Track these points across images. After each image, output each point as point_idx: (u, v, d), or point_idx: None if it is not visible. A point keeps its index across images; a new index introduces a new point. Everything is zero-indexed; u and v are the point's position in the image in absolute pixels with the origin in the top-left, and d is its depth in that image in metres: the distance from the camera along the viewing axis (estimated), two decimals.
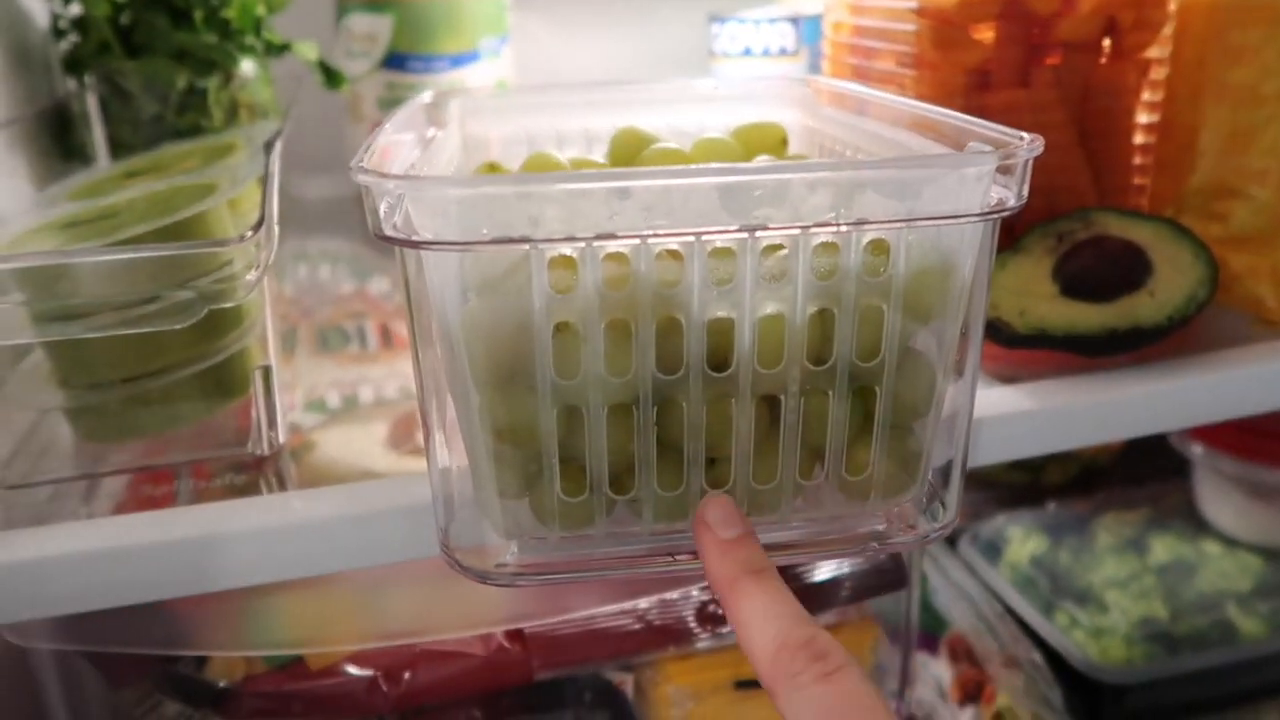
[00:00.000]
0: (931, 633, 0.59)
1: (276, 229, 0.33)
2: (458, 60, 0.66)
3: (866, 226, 0.24)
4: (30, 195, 0.47)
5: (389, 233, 0.24)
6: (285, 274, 0.63)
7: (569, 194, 0.24)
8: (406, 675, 0.39)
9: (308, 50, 0.56)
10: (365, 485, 0.34)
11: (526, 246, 0.24)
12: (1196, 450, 0.62)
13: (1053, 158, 0.44)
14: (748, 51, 0.69)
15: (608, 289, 0.25)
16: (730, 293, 0.25)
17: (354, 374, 0.53)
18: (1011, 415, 0.38)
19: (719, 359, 0.26)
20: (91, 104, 0.53)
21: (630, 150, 0.38)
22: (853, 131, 0.38)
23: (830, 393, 0.27)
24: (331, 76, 0.59)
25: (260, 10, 0.52)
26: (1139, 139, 0.45)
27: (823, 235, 0.24)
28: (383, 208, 0.25)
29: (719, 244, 0.24)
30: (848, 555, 0.30)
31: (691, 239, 0.24)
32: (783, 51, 0.68)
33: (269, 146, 0.37)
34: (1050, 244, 0.43)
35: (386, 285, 0.64)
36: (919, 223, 0.24)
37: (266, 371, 0.36)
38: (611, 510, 0.28)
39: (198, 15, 0.51)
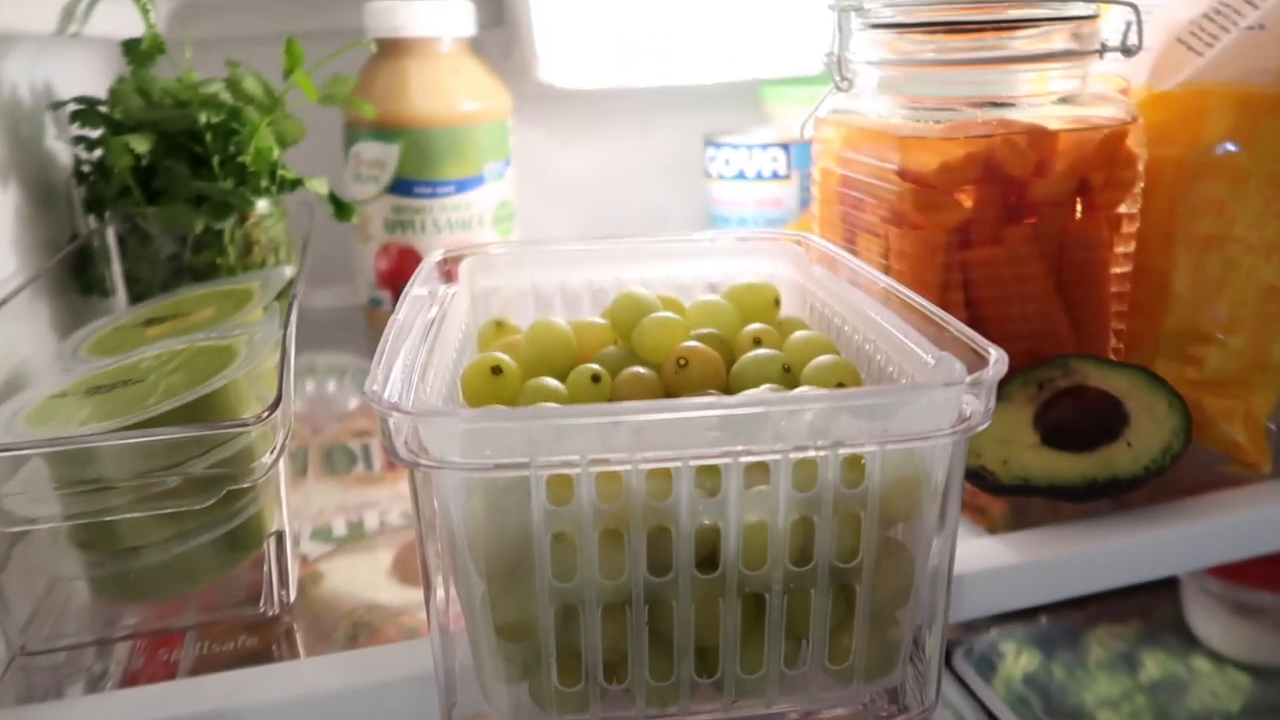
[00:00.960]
0: None
1: (294, 407, 0.35)
2: (463, 185, 0.69)
3: (843, 449, 0.26)
4: (49, 340, 0.49)
5: (402, 455, 0.26)
6: (295, 390, 0.65)
7: (565, 428, 0.26)
8: None
9: (319, 185, 0.59)
10: (376, 651, 0.36)
11: (527, 471, 0.26)
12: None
13: (1031, 307, 0.46)
14: (741, 175, 0.71)
15: (602, 503, 0.27)
16: (717, 504, 0.27)
17: (359, 497, 0.54)
18: (995, 570, 0.39)
19: (706, 561, 0.28)
20: (110, 241, 0.56)
21: (629, 316, 0.40)
22: (839, 300, 0.40)
23: (812, 590, 0.29)
24: (342, 209, 0.61)
25: (275, 154, 0.54)
26: (1115, 286, 0.47)
27: (802, 454, 0.27)
28: (392, 426, 0.27)
29: (704, 463, 0.26)
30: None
31: (679, 462, 0.26)
32: (775, 175, 0.70)
33: (286, 321, 0.39)
34: (1032, 392, 0.44)
35: None
36: (892, 445, 0.26)
37: (280, 537, 0.37)
38: (605, 697, 0.29)
39: (215, 161, 0.53)
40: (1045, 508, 0.43)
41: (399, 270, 0.70)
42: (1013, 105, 0.43)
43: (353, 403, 0.67)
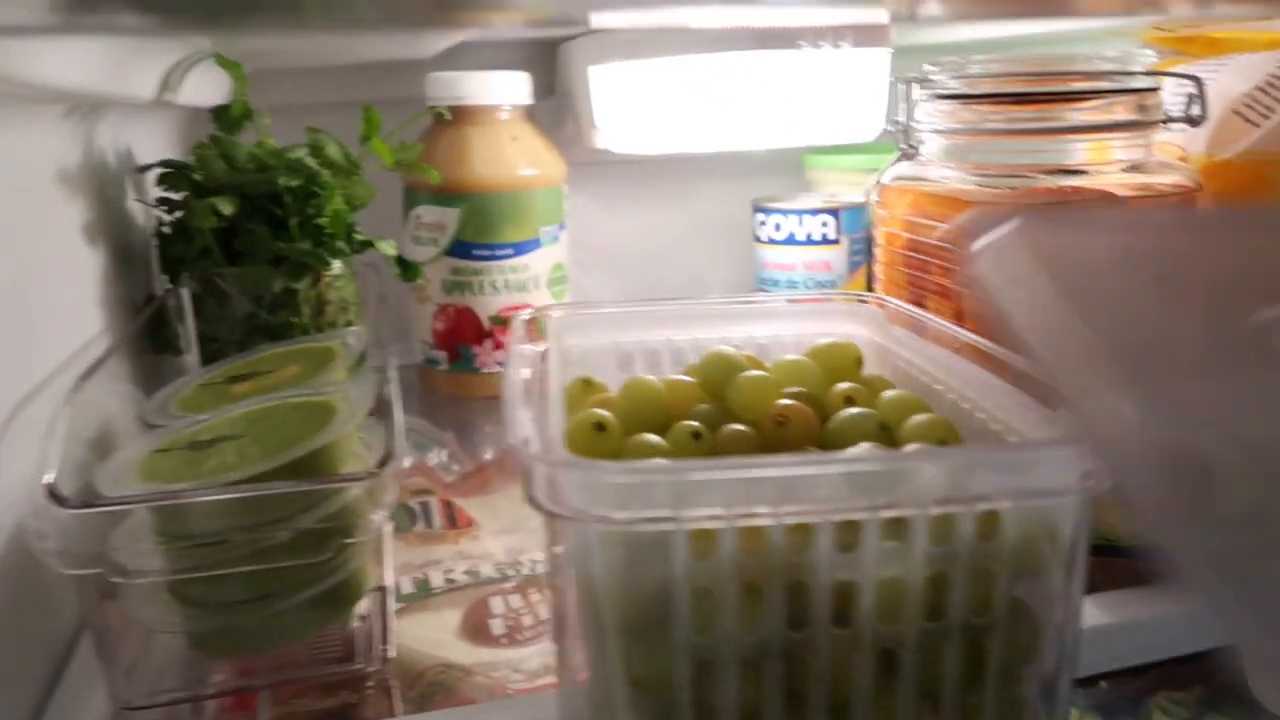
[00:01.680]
0: None
1: (404, 464, 0.36)
2: (520, 248, 0.70)
3: (980, 504, 0.27)
4: (131, 395, 0.50)
5: (546, 506, 0.27)
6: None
7: (709, 483, 0.26)
8: None
9: (388, 247, 0.60)
10: (491, 706, 0.36)
11: (673, 525, 0.26)
12: None
13: None
14: (791, 239, 0.73)
15: (743, 557, 0.27)
16: (853, 559, 0.28)
17: (421, 556, 0.54)
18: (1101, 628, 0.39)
19: (840, 616, 0.28)
20: (186, 301, 0.57)
21: (720, 374, 0.40)
22: (927, 359, 0.41)
23: (945, 645, 0.29)
24: (408, 269, 0.62)
25: (350, 217, 0.56)
26: None
27: (940, 509, 0.27)
28: (537, 477, 0.27)
29: (844, 519, 0.27)
30: None
31: (820, 517, 0.27)
32: (825, 240, 0.72)
33: (385, 364, 0.40)
34: None
35: (445, 457, 0.66)
36: (1028, 501, 0.27)
37: (383, 591, 0.37)
38: None
39: (294, 224, 0.55)
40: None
41: (456, 330, 0.71)
42: (1082, 173, 0.44)
43: (407, 460, 0.67)
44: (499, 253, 0.70)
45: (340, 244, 0.56)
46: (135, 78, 0.46)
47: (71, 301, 0.48)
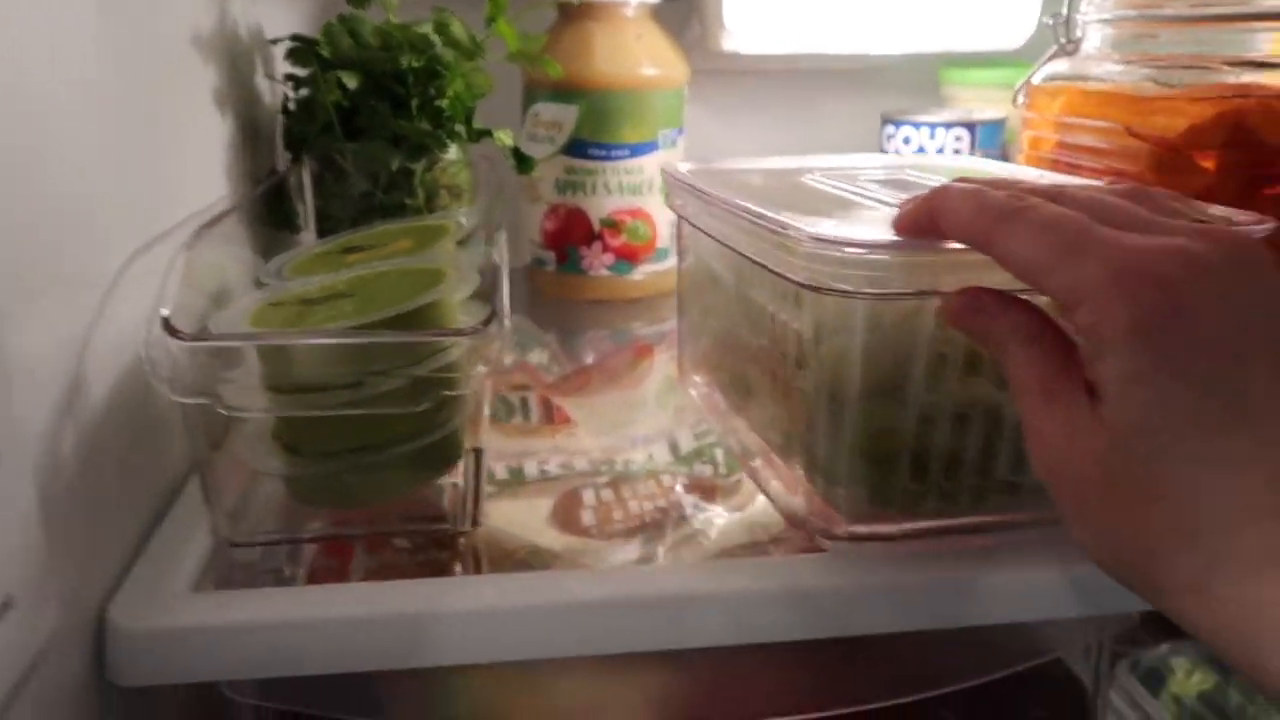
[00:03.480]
0: None
1: (508, 323, 0.35)
2: (637, 149, 0.68)
3: None
4: (249, 260, 0.51)
5: (807, 282, 0.32)
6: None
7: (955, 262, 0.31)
8: None
9: (505, 137, 0.59)
10: (590, 574, 0.36)
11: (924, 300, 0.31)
12: None
13: None
14: (921, 151, 0.69)
15: None
16: None
17: (518, 446, 0.54)
18: None
19: None
20: (306, 179, 0.57)
21: None
22: None
23: None
24: (524, 161, 0.62)
25: (470, 102, 0.55)
26: None
27: None
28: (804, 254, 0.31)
29: None
30: None
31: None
32: (957, 155, 0.68)
33: (494, 236, 0.39)
34: None
35: (546, 358, 0.66)
36: None
37: (478, 454, 0.37)
38: (942, 495, 0.35)
39: (414, 104, 0.54)
40: None
41: (566, 231, 0.70)
42: (1270, 67, 0.40)
43: (509, 358, 0.67)
44: (615, 153, 0.68)
45: (458, 128, 0.56)
46: None
47: (197, 165, 0.49)
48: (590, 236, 0.70)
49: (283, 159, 0.60)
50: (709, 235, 0.42)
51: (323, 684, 0.34)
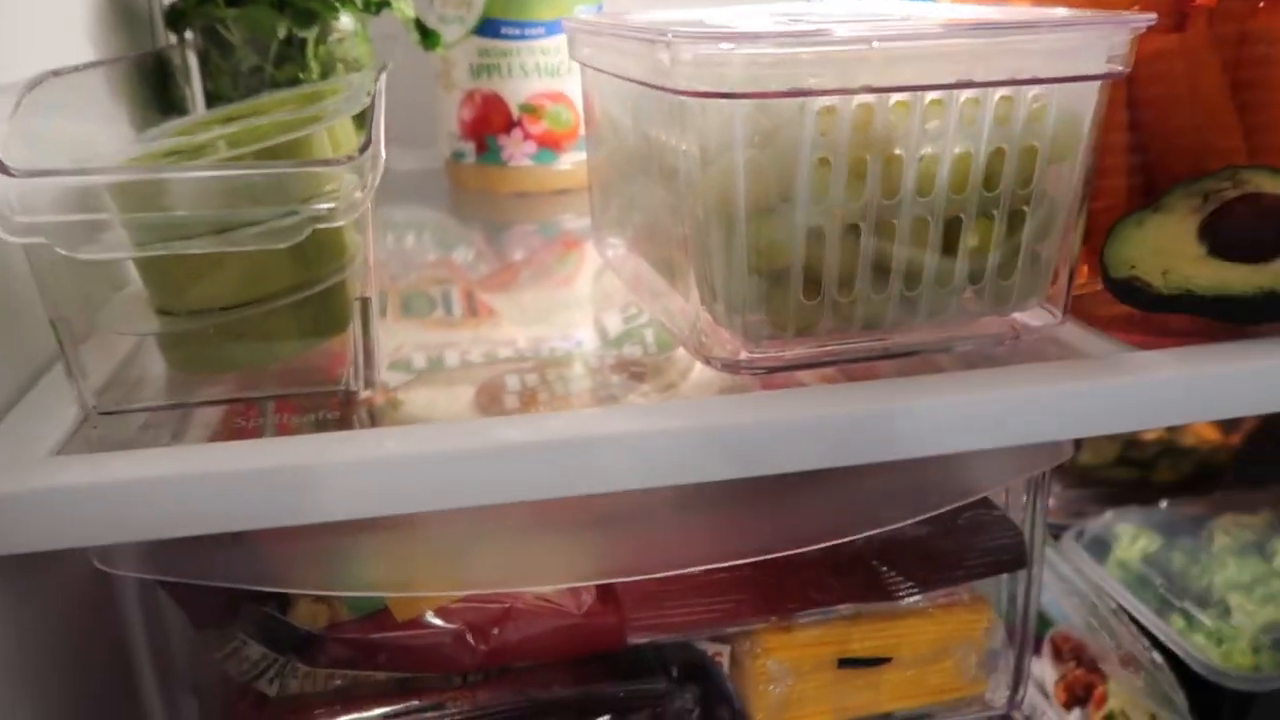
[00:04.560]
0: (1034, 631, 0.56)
1: (383, 153, 0.32)
2: (552, 28, 0.65)
3: (1037, 87, 0.32)
4: (131, 137, 0.47)
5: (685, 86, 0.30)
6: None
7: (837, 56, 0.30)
8: (495, 631, 0.37)
9: (405, 7, 0.56)
10: (464, 424, 0.33)
11: (803, 100, 0.30)
12: None
13: (1202, 113, 0.41)
14: None
15: (855, 132, 0.31)
16: (939, 133, 0.32)
17: (439, 338, 0.52)
18: (1160, 381, 0.35)
19: (923, 190, 0.33)
20: (191, 59, 0.53)
21: None
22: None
23: (995, 213, 0.34)
24: (428, 35, 0.58)
25: None
26: None
27: (1004, 92, 0.32)
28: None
29: (933, 98, 0.32)
30: (990, 340, 0.37)
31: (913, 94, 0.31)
32: None
33: (375, 77, 0.36)
34: (1195, 203, 0.40)
35: (471, 256, 0.63)
36: (1072, 82, 0.33)
37: (365, 304, 0.34)
38: (836, 311, 0.34)
39: None
40: None
41: (483, 119, 0.67)
42: None
43: (431, 255, 0.64)
44: (529, 31, 0.64)
45: None
46: None
47: (51, 40, 0.44)
48: (509, 124, 0.67)
49: (165, 38, 0.56)
50: (606, 74, 0.40)
51: (207, 552, 0.31)
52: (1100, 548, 0.61)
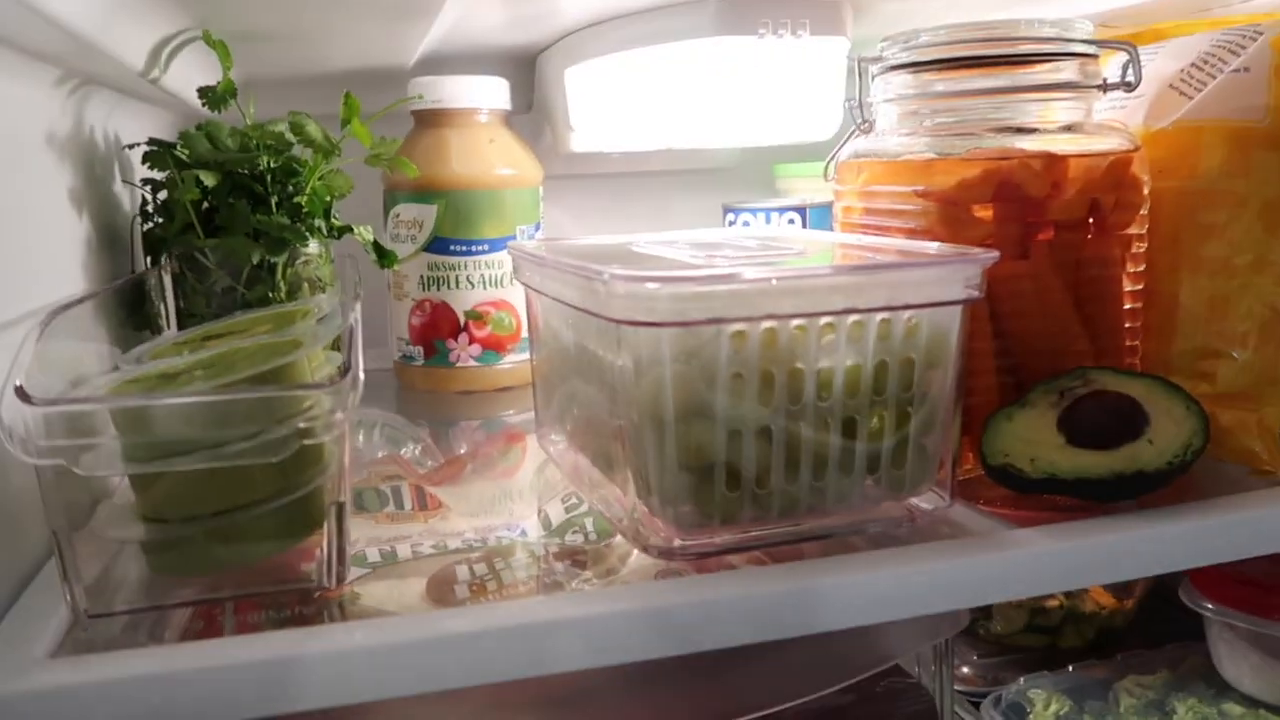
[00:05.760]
0: None
1: (361, 376, 0.37)
2: (495, 244, 0.72)
3: (910, 311, 0.40)
4: (109, 352, 0.51)
5: (622, 318, 0.37)
6: None
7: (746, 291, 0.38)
8: None
9: (365, 232, 0.62)
10: (432, 614, 0.37)
11: (719, 326, 0.37)
12: (1208, 607, 0.64)
13: (1052, 324, 0.48)
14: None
15: (764, 349, 0.38)
16: (831, 350, 0.39)
17: (390, 532, 0.55)
18: (1035, 554, 0.41)
19: (822, 395, 0.39)
20: (166, 279, 0.58)
21: None
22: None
23: (884, 413, 0.40)
24: (384, 256, 0.64)
25: (328, 197, 0.58)
26: (1129, 304, 0.50)
27: (884, 315, 0.39)
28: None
29: (826, 321, 0.39)
30: (891, 523, 0.43)
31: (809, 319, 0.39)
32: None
33: (347, 307, 0.42)
34: (1053, 399, 0.46)
35: (418, 452, 0.67)
36: (937, 306, 0.40)
37: (340, 507, 0.38)
38: (755, 503, 0.40)
39: (274, 201, 0.57)
40: None
41: (432, 325, 0.73)
42: (1029, 132, 0.47)
43: (381, 453, 0.68)
44: (476, 248, 0.72)
45: (318, 222, 0.58)
46: (125, 41, 0.48)
47: (54, 268, 0.49)
48: (456, 329, 0.73)
49: (143, 263, 0.61)
50: (547, 296, 0.46)
51: None
52: (1017, 712, 0.65)
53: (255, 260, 0.56)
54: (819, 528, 0.41)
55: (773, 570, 0.39)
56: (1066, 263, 0.48)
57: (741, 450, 0.39)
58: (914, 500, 0.44)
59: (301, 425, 0.35)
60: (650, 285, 0.36)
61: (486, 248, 0.72)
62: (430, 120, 0.72)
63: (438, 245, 0.71)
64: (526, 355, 0.75)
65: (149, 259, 0.60)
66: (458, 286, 0.72)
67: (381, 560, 0.50)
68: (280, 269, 0.57)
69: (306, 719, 0.36)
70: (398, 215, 0.72)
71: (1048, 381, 0.47)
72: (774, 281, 0.38)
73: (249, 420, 0.36)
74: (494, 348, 0.74)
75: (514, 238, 0.73)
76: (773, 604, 0.37)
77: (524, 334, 0.74)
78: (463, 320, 0.73)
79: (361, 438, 0.71)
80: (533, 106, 0.86)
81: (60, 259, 0.51)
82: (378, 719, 0.39)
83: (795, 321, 0.38)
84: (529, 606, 0.38)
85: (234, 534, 0.38)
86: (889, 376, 0.41)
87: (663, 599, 0.37)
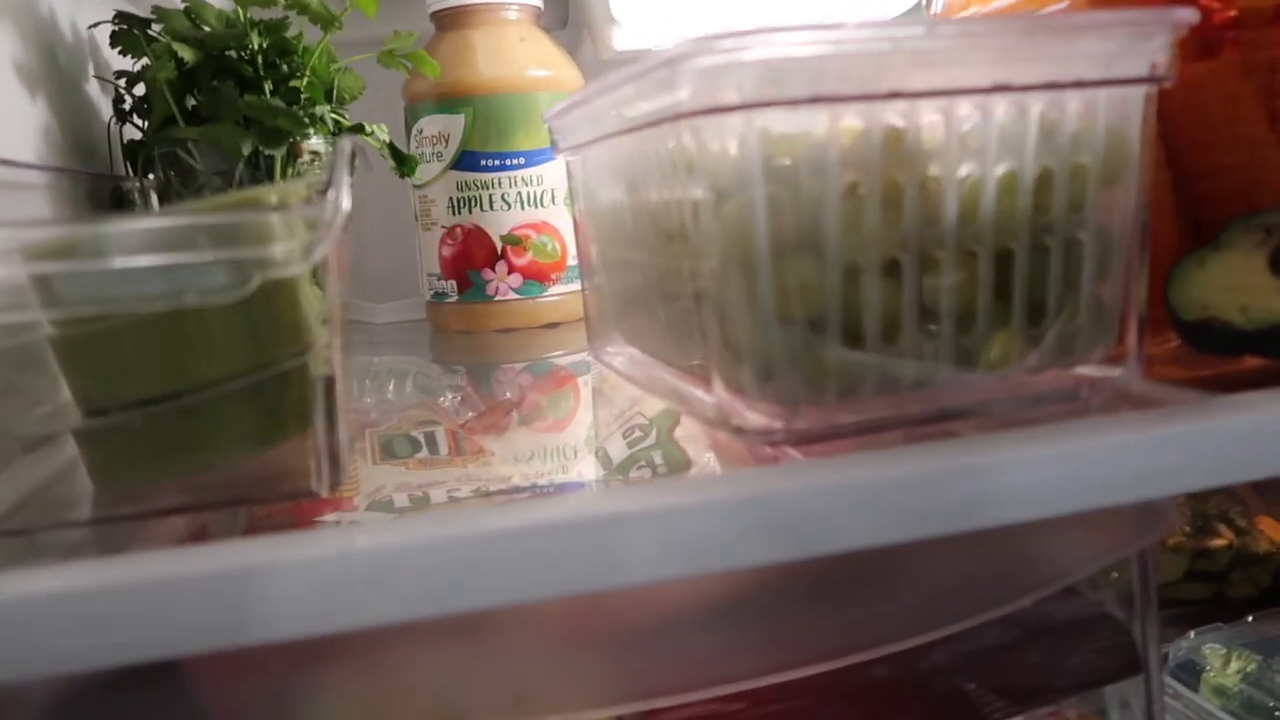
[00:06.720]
0: None
1: (348, 202, 0.28)
2: (532, 158, 0.63)
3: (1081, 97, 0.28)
4: None
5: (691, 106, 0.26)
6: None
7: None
8: None
9: (381, 131, 0.53)
10: (462, 512, 0.27)
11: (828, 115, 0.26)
12: None
13: (1243, 145, 0.37)
14: None
15: (886, 149, 0.27)
16: (979, 150, 0.28)
17: (423, 478, 0.46)
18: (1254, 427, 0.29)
19: (967, 216, 0.28)
20: (152, 194, 0.50)
21: None
22: None
23: (1050, 243, 0.30)
24: (404, 162, 0.55)
25: (331, 72, 0.49)
26: None
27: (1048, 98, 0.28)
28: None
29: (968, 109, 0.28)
30: (1059, 395, 0.32)
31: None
32: None
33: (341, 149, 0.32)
34: (1257, 238, 0.36)
35: (457, 400, 0.58)
36: (1117, 85, 0.28)
37: (329, 384, 0.29)
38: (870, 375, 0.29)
39: (266, 85, 0.48)
40: None
41: (465, 254, 0.64)
42: None
43: (413, 402, 0.59)
44: (510, 162, 0.62)
45: (319, 110, 0.49)
46: None
47: (12, 184, 0.41)
48: (493, 258, 0.63)
49: (126, 171, 0.53)
50: (596, 153, 0.36)
51: (123, 692, 0.24)
52: (1189, 671, 0.53)
53: (247, 152, 0.47)
54: (963, 404, 0.31)
55: (918, 449, 0.28)
56: (1259, 64, 0.37)
57: (860, 295, 0.29)
58: (1085, 370, 0.33)
59: (262, 254, 0.25)
60: (728, 44, 0.26)
61: (522, 160, 0.63)
62: (452, 21, 0.63)
63: (467, 161, 0.62)
64: (574, 286, 0.65)
65: (129, 169, 0.51)
66: (492, 208, 0.63)
67: (411, 506, 0.41)
68: (278, 165, 0.48)
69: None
70: (420, 131, 0.63)
71: (1245, 218, 0.36)
72: (900, 40, 0.26)
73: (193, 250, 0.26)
74: (536, 277, 0.64)
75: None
76: (922, 491, 0.27)
77: (570, 261, 0.65)
78: (499, 247, 0.63)
79: (392, 388, 0.62)
80: (568, 22, 0.77)
81: (20, 173, 0.42)
82: (383, 664, 0.29)
83: (929, 110, 0.27)
84: (589, 499, 0.28)
85: (189, 428, 0.29)
86: (1054, 191, 0.29)
87: (768, 486, 0.27)
